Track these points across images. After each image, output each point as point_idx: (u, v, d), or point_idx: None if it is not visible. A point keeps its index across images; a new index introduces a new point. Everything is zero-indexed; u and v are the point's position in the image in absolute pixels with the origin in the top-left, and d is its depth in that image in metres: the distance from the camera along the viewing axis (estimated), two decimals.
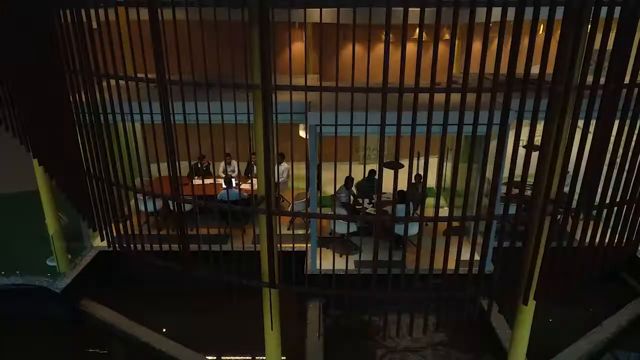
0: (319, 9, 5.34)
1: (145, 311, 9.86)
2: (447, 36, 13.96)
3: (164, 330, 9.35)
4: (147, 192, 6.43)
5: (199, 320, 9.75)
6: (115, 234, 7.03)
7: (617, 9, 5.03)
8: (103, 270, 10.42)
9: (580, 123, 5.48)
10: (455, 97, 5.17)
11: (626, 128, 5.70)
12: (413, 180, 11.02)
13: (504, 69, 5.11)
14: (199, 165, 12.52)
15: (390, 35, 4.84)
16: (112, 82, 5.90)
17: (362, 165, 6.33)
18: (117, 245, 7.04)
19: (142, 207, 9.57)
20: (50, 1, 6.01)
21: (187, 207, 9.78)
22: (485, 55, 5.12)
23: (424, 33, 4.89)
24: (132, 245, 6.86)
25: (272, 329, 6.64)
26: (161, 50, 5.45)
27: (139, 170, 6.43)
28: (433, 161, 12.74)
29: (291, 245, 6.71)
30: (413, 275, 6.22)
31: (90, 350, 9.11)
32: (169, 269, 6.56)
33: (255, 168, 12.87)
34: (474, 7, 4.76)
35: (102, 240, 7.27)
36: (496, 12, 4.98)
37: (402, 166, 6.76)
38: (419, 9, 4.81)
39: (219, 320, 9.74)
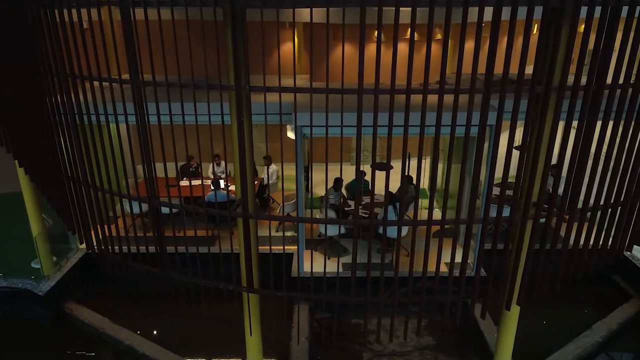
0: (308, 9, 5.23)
1: (131, 314, 9.78)
2: (439, 36, 13.86)
3: (149, 333, 9.26)
4: (124, 194, 6.32)
5: (185, 323, 9.66)
6: (94, 238, 6.95)
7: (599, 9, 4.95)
8: (89, 273, 10.31)
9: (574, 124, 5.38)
10: (444, 99, 5.07)
11: (609, 130, 5.60)
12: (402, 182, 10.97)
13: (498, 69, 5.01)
14: (188, 167, 12.43)
15: (381, 35, 4.74)
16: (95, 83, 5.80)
17: (354, 166, 6.21)
18: (95, 248, 6.94)
19: (128, 208, 9.50)
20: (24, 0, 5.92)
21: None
22: (462, 56, 5.01)
23: (411, 34, 4.78)
24: (110, 248, 6.77)
25: (250, 334, 6.53)
26: (134, 51, 5.35)
27: (117, 172, 6.27)
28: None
29: (279, 247, 6.56)
30: (393, 278, 6.11)
31: (73, 353, 8.99)
32: (146, 272, 6.46)
33: None
34: (450, 7, 4.65)
35: (81, 243, 7.18)
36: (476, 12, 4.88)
37: (391, 167, 6.65)
38: (409, 9, 4.72)
39: (204, 323, 9.63)
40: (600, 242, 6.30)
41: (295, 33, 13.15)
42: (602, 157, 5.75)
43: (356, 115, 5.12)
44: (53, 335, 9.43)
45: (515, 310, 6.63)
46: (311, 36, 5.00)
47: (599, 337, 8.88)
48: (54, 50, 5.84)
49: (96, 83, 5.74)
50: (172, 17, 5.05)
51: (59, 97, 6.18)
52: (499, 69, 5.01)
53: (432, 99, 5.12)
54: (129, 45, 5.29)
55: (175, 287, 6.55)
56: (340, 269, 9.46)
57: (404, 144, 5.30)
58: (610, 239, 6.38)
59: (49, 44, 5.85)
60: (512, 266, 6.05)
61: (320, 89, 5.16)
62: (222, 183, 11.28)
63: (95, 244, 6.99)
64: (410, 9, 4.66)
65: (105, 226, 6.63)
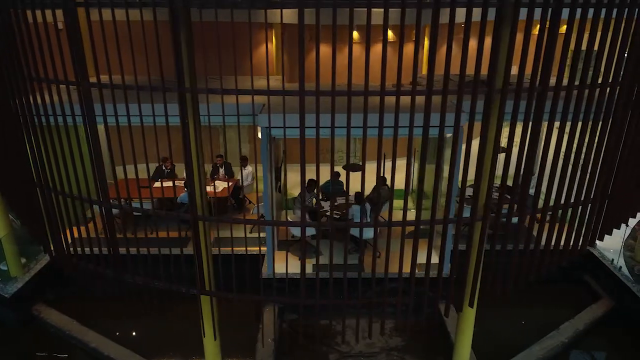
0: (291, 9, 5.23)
1: (101, 315, 9.71)
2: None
3: (118, 335, 9.20)
4: (76, 196, 6.29)
5: (155, 325, 9.62)
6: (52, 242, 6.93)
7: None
8: (60, 274, 10.24)
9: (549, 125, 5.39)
10: (420, 99, 5.11)
11: (554, 131, 5.62)
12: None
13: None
14: (162, 168, 12.40)
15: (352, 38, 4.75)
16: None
17: (330, 167, 6.19)
18: (52, 250, 6.92)
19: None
20: None
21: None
22: (434, 57, 5.02)
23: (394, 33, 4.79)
24: (68, 250, 6.75)
25: (204, 336, 6.51)
26: (81, 52, 5.33)
27: (77, 175, 6.21)
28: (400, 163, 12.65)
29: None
30: (357, 279, 6.10)
31: (39, 356, 8.95)
32: (101, 274, 6.44)
33: (220, 170, 12.92)
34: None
35: (38, 245, 7.15)
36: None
37: (361, 168, 6.64)
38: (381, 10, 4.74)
39: (175, 324, 9.60)
40: (552, 243, 6.31)
41: (273, 33, 13.13)
42: (550, 159, 5.76)
43: (330, 116, 5.12)
44: (19, 337, 9.37)
45: (471, 311, 6.63)
46: (282, 37, 5.00)
47: (565, 337, 8.89)
48: (10, 51, 5.82)
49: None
50: (127, 17, 4.99)
51: (17, 99, 6.16)
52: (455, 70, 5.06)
53: (408, 99, 5.16)
54: (75, 47, 5.28)
55: (134, 289, 6.54)
56: (310, 270, 9.44)
57: (378, 145, 5.36)
58: (562, 240, 6.39)
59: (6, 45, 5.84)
60: (465, 267, 6.07)
61: (278, 91, 5.15)
62: None
63: (52, 245, 6.96)
64: (382, 10, 4.70)
65: (66, 228, 6.59)
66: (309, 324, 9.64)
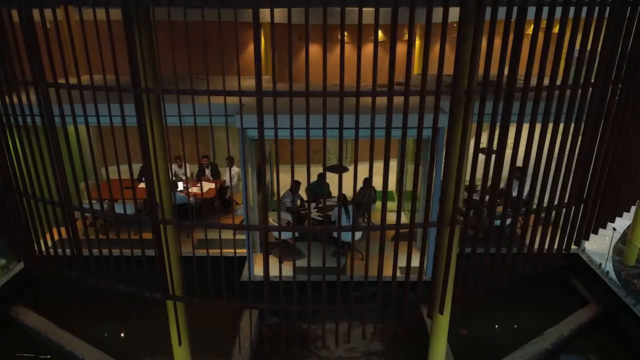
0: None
1: (79, 318, 9.62)
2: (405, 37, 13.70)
3: (95, 337, 9.10)
4: (40, 199, 6.19)
5: (132, 328, 9.53)
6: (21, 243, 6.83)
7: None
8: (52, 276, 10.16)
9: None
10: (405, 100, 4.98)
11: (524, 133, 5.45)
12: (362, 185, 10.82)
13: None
14: None
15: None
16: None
17: (316, 168, 6.07)
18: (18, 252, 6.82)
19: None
20: None
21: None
22: (410, 58, 4.88)
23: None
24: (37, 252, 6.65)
25: (171, 339, 6.39)
26: (37, 52, 5.22)
27: (39, 177, 6.09)
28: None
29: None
30: (335, 283, 5.97)
31: (13, 358, 8.87)
32: (66, 276, 6.34)
33: (206, 171, 12.80)
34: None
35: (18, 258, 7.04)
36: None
37: (346, 170, 6.50)
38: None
39: (152, 328, 9.46)
40: (526, 248, 6.15)
41: (262, 33, 13.01)
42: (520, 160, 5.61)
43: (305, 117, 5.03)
44: None
45: (444, 317, 6.48)
46: (257, 36, 4.82)
47: (549, 344, 8.71)
48: None
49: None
50: (80, 17, 4.90)
51: None
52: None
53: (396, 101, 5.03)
54: (31, 47, 5.17)
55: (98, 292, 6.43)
56: (291, 273, 9.30)
57: (355, 146, 5.29)
58: (536, 244, 6.22)
59: None
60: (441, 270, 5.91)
61: (249, 92, 4.99)
62: (180, 185, 11.15)
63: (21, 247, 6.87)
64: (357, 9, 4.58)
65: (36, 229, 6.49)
66: (289, 327, 9.53)
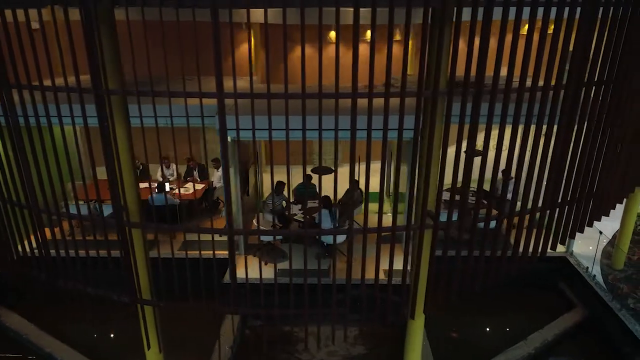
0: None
1: (61, 320, 9.56)
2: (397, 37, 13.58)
3: (76, 339, 9.05)
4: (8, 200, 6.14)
5: (114, 330, 9.48)
6: None
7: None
8: (23, 277, 10.14)
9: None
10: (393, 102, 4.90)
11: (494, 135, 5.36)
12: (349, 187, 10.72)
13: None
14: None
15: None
16: None
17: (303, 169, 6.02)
18: None
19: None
20: None
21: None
22: (390, 60, 4.79)
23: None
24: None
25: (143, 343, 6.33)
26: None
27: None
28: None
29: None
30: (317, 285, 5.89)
31: None
32: (35, 278, 6.29)
33: (195, 172, 12.74)
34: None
35: None
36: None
37: (331, 171, 6.41)
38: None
39: (133, 330, 9.42)
40: (499, 253, 6.04)
41: (252, 33, 12.94)
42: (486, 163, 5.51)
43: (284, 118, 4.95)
44: None
45: (418, 323, 6.38)
46: (227, 37, 4.75)
47: (532, 348, 8.60)
48: None
49: None
50: (40, 17, 4.82)
51: None
52: None
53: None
54: None
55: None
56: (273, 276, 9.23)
57: (335, 148, 5.44)
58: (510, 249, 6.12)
59: None
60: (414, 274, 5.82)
61: (212, 93, 4.91)
62: (167, 186, 11.10)
63: None
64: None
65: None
66: (271, 330, 9.45)
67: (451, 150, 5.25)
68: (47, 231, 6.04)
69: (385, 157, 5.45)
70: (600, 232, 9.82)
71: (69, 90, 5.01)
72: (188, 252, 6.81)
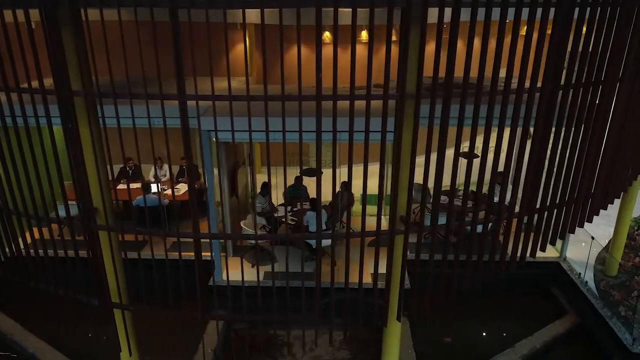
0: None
1: (48, 321, 9.56)
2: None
3: (60, 341, 9.04)
4: None
5: (103, 330, 9.43)
6: None
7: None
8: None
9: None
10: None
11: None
12: (339, 188, 10.61)
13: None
14: (127, 168, 12.23)
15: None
16: None
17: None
18: None
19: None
20: None
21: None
22: (371, 61, 4.69)
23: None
24: None
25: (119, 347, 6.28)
26: None
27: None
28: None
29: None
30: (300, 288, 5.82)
31: None
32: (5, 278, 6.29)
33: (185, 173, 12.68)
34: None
35: None
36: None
37: (321, 173, 6.36)
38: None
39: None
40: (475, 257, 5.91)
41: (247, 34, 12.87)
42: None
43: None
44: None
45: (394, 329, 6.26)
46: (206, 36, 4.63)
47: (519, 356, 8.42)
48: None
49: None
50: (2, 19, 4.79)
51: None
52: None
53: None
54: None
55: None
56: (262, 278, 9.15)
57: (317, 150, 5.23)
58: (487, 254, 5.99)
59: None
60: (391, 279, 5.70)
61: (191, 96, 4.85)
62: (154, 187, 11.06)
63: None
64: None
65: None
66: (256, 333, 9.37)
67: (449, 153, 5.17)
68: (18, 232, 6.04)
69: (367, 159, 5.27)
70: (592, 238, 9.60)
71: (32, 91, 4.97)
72: (170, 253, 6.74)
